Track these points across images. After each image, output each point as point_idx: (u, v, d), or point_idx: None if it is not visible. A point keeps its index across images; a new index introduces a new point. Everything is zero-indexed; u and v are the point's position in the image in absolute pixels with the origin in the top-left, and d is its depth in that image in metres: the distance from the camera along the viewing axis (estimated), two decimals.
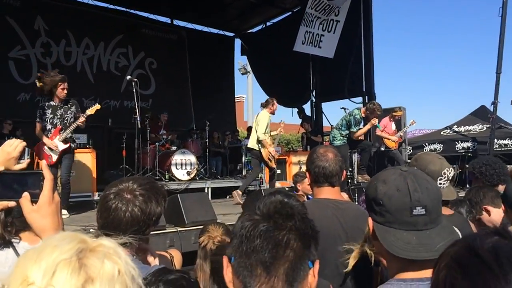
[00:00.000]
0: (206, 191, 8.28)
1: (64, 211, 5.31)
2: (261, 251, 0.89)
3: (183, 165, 8.45)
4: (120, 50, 12.29)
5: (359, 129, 7.49)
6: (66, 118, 5.79)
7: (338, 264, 1.83)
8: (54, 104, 5.77)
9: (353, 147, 7.96)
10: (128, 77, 6.63)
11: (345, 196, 3.74)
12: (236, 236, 0.94)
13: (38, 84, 5.65)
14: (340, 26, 9.96)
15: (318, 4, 9.52)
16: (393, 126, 9.12)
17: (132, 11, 12.75)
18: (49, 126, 5.72)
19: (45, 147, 5.67)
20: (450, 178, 2.08)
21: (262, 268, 0.89)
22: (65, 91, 5.72)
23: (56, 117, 5.74)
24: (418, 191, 1.20)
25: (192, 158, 8.66)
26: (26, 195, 1.06)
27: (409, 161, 9.55)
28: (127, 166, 8.60)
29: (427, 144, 10.88)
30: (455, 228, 1.37)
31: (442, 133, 11.29)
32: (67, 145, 5.73)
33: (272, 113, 7.38)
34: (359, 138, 7.78)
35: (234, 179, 9.42)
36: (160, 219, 1.54)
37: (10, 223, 1.76)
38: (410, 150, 10.66)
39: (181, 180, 8.29)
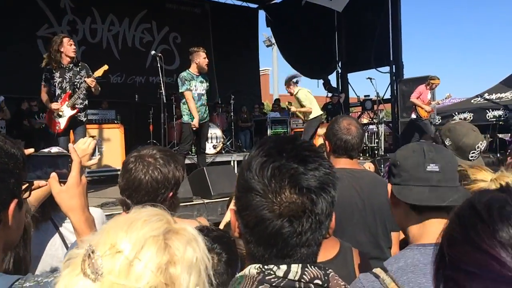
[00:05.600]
0: (232, 164, 8.37)
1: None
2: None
3: (209, 139, 8.53)
4: (145, 25, 12.34)
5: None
6: (76, 83, 5.27)
7: (356, 232, 1.84)
8: (63, 66, 5.23)
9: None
10: (153, 52, 6.61)
11: (372, 167, 3.74)
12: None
13: (45, 56, 5.26)
14: None
15: None
16: (429, 95, 8.77)
17: None
18: (58, 91, 5.22)
19: (54, 113, 5.25)
20: (482, 150, 2.06)
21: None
22: (73, 47, 5.23)
23: (65, 80, 5.22)
24: (432, 152, 1.27)
25: (217, 132, 8.74)
26: (54, 175, 1.11)
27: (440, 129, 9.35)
28: (154, 141, 8.77)
29: (457, 113, 10.57)
30: None
31: (472, 101, 10.95)
32: (75, 111, 5.24)
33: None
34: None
35: None
36: (183, 193, 1.58)
37: None
38: (439, 120, 10.42)
39: (208, 154, 8.39)
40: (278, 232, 0.79)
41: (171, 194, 1.51)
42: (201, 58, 5.95)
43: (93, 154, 1.72)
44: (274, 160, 0.81)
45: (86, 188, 1.21)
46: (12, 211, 0.89)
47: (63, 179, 1.12)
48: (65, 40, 5.20)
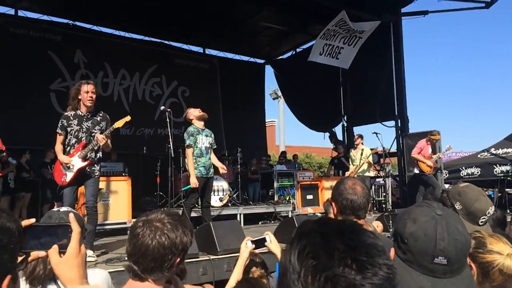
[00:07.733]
0: (238, 217, 8.30)
1: (90, 252, 4.30)
2: None
3: (215, 192, 8.52)
4: (155, 79, 12.71)
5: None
6: (94, 133, 4.86)
7: None
8: (81, 114, 4.85)
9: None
10: (162, 107, 6.71)
11: (380, 225, 3.71)
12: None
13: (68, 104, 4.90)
14: (361, 42, 10.19)
15: (343, 25, 9.64)
16: (430, 150, 8.79)
17: (166, 42, 13.24)
18: (73, 140, 4.82)
19: (63, 164, 4.80)
20: (490, 216, 2.07)
21: None
22: (91, 95, 4.77)
23: (82, 130, 4.82)
24: (445, 241, 1.18)
25: (224, 185, 8.73)
26: (55, 247, 1.11)
27: (446, 185, 9.27)
28: (161, 193, 8.76)
29: (464, 168, 10.55)
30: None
31: (479, 156, 10.95)
32: (86, 163, 4.76)
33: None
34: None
35: (266, 205, 9.41)
36: (189, 249, 1.54)
37: None
38: (446, 174, 10.37)
39: (214, 207, 8.34)
40: None
41: (178, 260, 1.49)
42: (196, 111, 6.17)
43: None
44: (325, 268, 0.71)
45: (85, 257, 1.21)
46: (5, 286, 0.88)
47: (62, 249, 1.12)
48: (83, 87, 4.79)
